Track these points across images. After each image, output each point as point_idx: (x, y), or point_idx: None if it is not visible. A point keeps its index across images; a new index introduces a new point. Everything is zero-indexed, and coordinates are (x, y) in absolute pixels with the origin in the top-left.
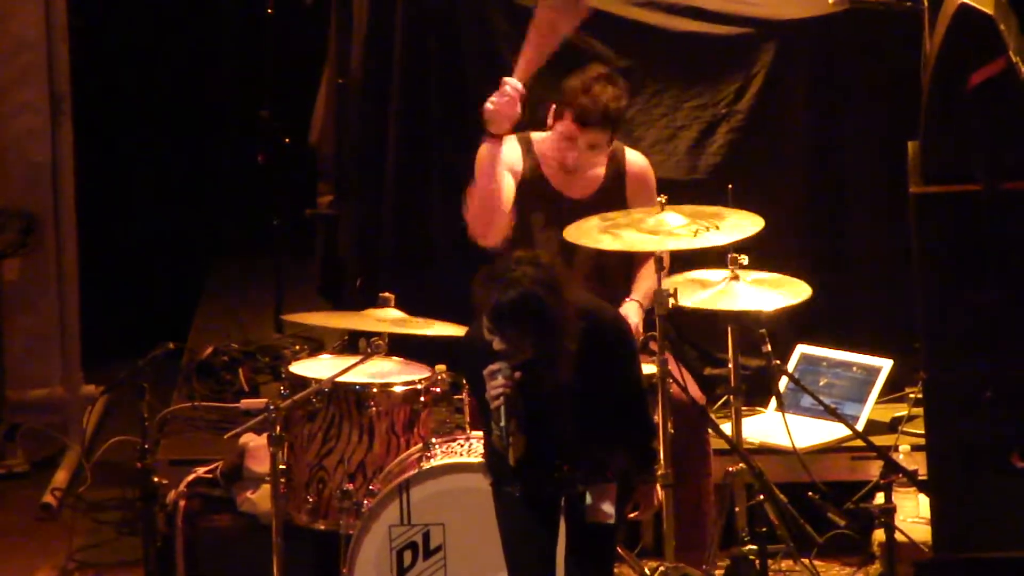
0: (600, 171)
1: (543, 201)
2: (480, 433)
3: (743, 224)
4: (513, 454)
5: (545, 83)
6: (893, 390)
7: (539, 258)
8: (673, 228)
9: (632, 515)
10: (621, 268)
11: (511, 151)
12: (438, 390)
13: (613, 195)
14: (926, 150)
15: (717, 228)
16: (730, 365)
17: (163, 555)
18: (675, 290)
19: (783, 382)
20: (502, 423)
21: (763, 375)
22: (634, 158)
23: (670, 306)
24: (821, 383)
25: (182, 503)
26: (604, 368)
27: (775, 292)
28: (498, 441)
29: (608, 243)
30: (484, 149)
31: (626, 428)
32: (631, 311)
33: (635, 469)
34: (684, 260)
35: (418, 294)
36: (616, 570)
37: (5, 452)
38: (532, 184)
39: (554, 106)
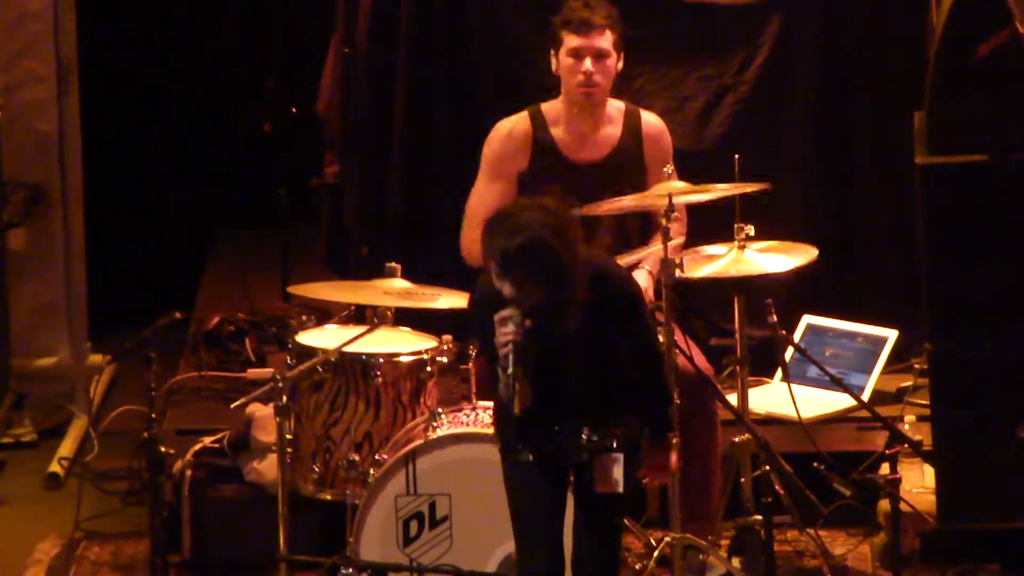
0: (616, 131)
1: (557, 171)
2: (487, 404)
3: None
4: (519, 403)
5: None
6: (898, 360)
7: (546, 203)
8: (679, 187)
9: (645, 481)
10: (643, 236)
11: (512, 143)
12: (444, 360)
13: (630, 155)
14: (932, 121)
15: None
16: (736, 335)
17: (169, 525)
18: (681, 260)
19: (789, 352)
20: (509, 370)
21: (769, 345)
22: (651, 119)
23: (676, 276)
24: (827, 353)
25: (189, 473)
26: (613, 325)
27: (783, 256)
28: (504, 390)
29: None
30: None
31: (641, 393)
32: (640, 278)
33: (647, 436)
34: (691, 235)
35: (424, 263)
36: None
37: (12, 421)
38: (543, 156)
39: (552, 50)
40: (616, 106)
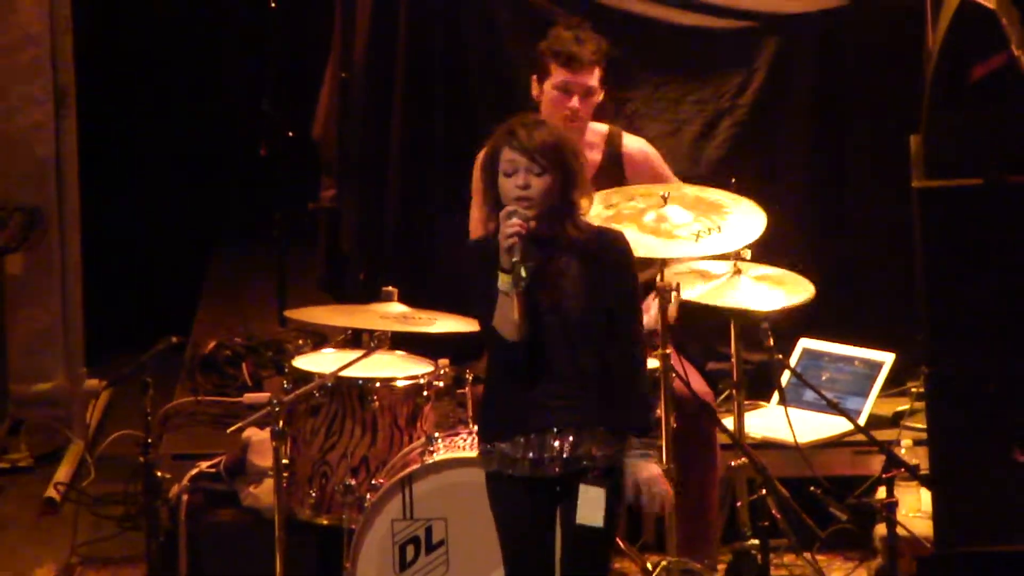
0: (596, 156)
1: None
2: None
3: (745, 223)
4: (519, 308)
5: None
6: (895, 384)
7: None
8: (675, 228)
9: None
10: None
11: None
12: (441, 384)
13: (612, 179)
14: (929, 144)
15: (719, 230)
16: (733, 359)
17: (166, 550)
18: (678, 285)
19: (785, 376)
20: (515, 258)
21: (765, 369)
22: (631, 141)
23: (674, 302)
24: (823, 377)
25: (185, 497)
26: (605, 284)
27: (777, 289)
28: (506, 286)
29: None
30: None
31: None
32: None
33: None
34: None
35: (421, 287)
36: (618, 565)
37: (9, 446)
38: None
39: (535, 75)
40: (598, 131)
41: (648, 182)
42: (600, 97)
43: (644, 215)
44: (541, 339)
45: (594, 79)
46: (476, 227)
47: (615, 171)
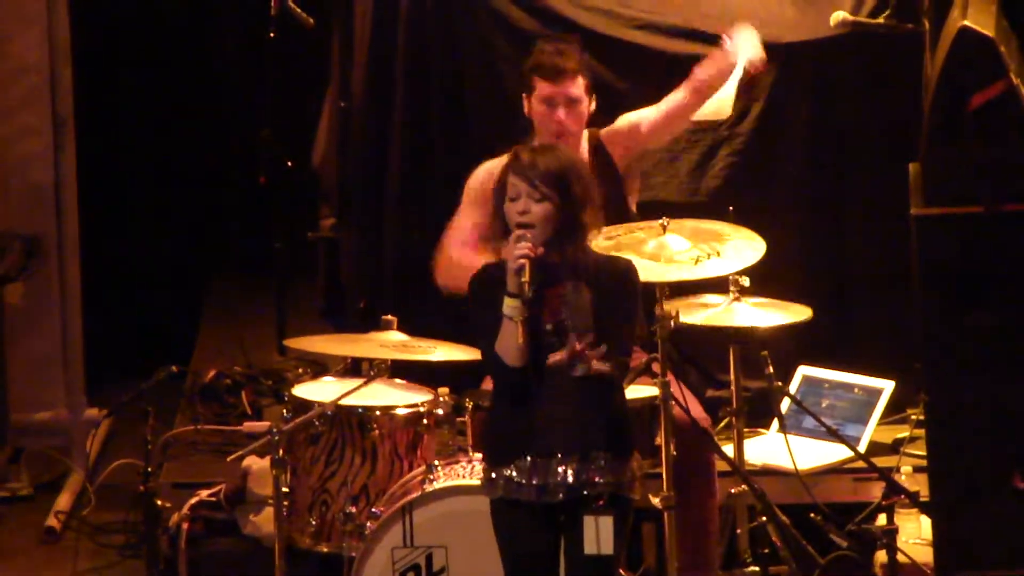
0: (589, 163)
1: None
2: (482, 456)
3: (744, 249)
4: (523, 333)
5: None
6: (895, 411)
7: None
8: (674, 254)
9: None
10: None
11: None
12: (440, 412)
13: (606, 179)
14: (927, 172)
15: (718, 255)
16: (732, 386)
17: None
18: (677, 312)
19: (785, 403)
20: (524, 279)
21: (765, 396)
22: (607, 130)
23: (672, 327)
24: (823, 404)
25: (185, 526)
26: (608, 314)
27: (775, 312)
28: (511, 310)
29: None
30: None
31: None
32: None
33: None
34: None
35: (421, 316)
36: None
37: (9, 475)
38: None
39: (523, 93)
40: (584, 139)
41: (630, 146)
42: (588, 108)
43: (644, 244)
44: (543, 364)
45: (577, 88)
46: (453, 234)
47: (607, 170)
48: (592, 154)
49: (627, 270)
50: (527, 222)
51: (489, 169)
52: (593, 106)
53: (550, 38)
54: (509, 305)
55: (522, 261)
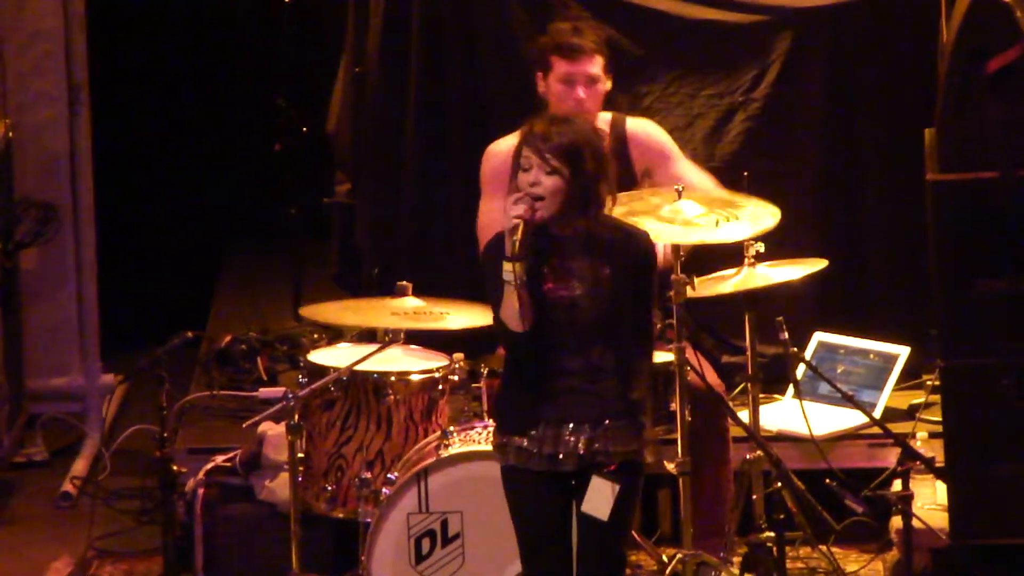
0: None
1: None
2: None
3: (760, 214)
4: (520, 297)
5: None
6: (910, 377)
7: None
8: (691, 217)
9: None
10: None
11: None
12: (456, 378)
13: (618, 164)
14: (942, 138)
15: (737, 219)
16: (747, 353)
17: (182, 543)
18: (692, 277)
19: (800, 369)
20: (515, 237)
21: (780, 362)
22: (635, 123)
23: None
24: (839, 370)
25: (201, 491)
26: (625, 282)
27: (792, 268)
28: (508, 274)
29: None
30: None
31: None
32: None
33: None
34: (700, 256)
35: (435, 281)
36: (634, 558)
37: (25, 441)
38: None
39: (539, 71)
40: (603, 119)
41: (654, 160)
42: (606, 86)
43: (660, 209)
44: (551, 333)
45: (596, 67)
46: (483, 219)
47: (621, 156)
48: (612, 139)
49: (646, 246)
50: (537, 193)
51: (502, 149)
52: (609, 84)
53: (567, 16)
54: (505, 269)
55: (516, 221)
